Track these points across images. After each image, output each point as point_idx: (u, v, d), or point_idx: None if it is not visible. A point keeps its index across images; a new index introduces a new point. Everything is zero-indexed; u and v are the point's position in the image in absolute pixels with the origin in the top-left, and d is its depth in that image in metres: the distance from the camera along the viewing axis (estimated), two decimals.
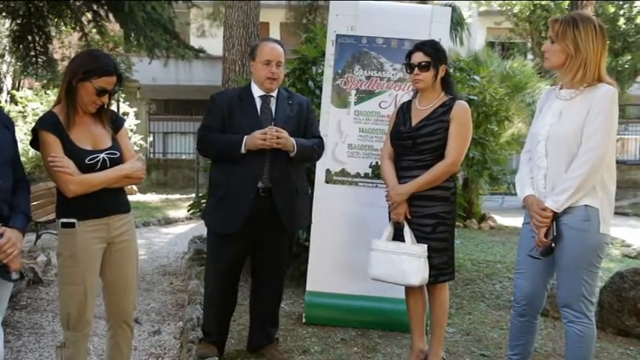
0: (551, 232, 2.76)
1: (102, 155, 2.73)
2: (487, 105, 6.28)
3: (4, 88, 15.37)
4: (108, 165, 2.75)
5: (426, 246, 3.30)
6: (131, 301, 2.99)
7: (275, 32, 20.16)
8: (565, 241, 2.75)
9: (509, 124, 8.86)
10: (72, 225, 2.71)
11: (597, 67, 2.74)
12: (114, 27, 10.89)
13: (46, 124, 2.69)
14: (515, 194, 3.04)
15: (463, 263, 6.69)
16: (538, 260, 2.84)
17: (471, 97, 5.81)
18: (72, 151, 2.68)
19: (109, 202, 2.78)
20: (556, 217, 2.75)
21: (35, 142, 2.72)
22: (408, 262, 3.29)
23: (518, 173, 3.01)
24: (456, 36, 13.84)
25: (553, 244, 2.76)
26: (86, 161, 2.69)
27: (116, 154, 2.79)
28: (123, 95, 14.99)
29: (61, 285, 2.81)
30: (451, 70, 3.98)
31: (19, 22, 9.09)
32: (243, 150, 3.34)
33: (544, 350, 3.92)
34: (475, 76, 6.08)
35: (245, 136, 3.34)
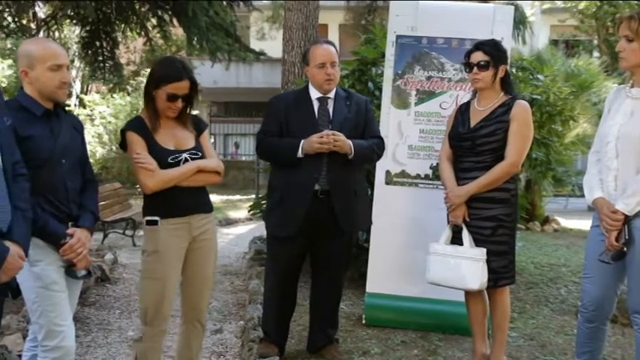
0: (622, 236, 2.68)
1: (184, 155, 2.85)
2: (551, 104, 6.14)
3: (74, 93, 15.98)
4: None
5: (484, 249, 3.23)
6: (206, 300, 3.09)
7: (334, 34, 20.22)
8: (637, 245, 2.65)
9: (574, 124, 8.62)
10: (155, 222, 2.83)
11: None
12: (177, 31, 11.16)
13: (133, 126, 2.87)
14: (580, 196, 2.96)
15: (526, 266, 6.53)
16: (607, 265, 2.75)
17: (535, 96, 5.68)
18: (155, 150, 2.81)
19: (190, 202, 2.88)
20: (627, 220, 2.66)
21: (124, 144, 2.89)
22: (466, 266, 3.23)
23: (586, 175, 2.92)
24: (518, 35, 13.57)
25: (625, 248, 2.67)
26: (169, 160, 2.81)
27: (198, 154, 2.90)
28: None
29: (142, 279, 2.94)
30: (513, 70, 3.89)
31: (88, 28, 9.44)
32: (300, 154, 3.37)
33: (612, 358, 3.79)
34: (538, 75, 5.95)
35: (302, 140, 3.36)
